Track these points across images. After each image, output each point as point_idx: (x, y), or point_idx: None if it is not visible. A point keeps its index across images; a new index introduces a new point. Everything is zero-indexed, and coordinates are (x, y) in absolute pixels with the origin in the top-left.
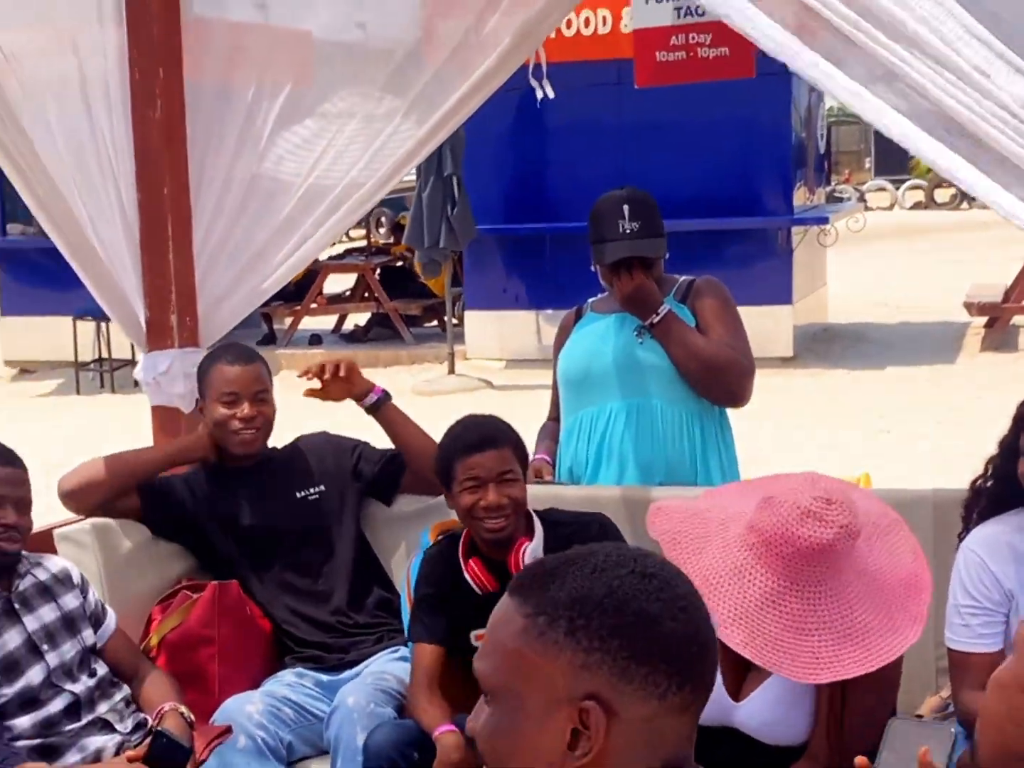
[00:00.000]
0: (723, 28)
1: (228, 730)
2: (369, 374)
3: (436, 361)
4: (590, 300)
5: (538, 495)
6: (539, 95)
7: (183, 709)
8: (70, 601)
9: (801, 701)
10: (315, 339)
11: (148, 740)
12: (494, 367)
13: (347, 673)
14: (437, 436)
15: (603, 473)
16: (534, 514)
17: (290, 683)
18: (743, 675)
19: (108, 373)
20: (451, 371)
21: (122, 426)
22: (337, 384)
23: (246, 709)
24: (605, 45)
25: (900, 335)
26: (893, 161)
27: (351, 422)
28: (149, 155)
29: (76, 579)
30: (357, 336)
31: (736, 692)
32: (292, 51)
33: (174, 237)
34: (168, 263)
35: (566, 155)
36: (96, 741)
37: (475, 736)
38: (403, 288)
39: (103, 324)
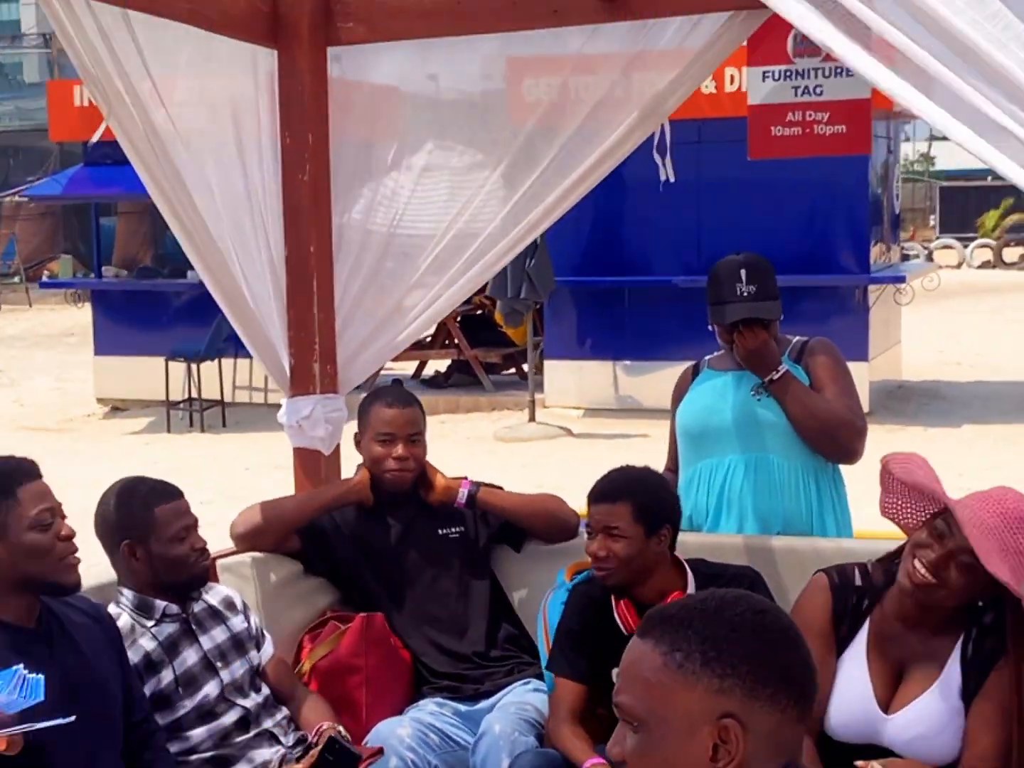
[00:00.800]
0: (841, 106)
1: (380, 751)
2: (450, 420)
3: (515, 408)
4: (707, 357)
5: None
6: (662, 176)
7: (340, 728)
8: (237, 624)
9: (953, 719)
10: (396, 384)
11: (314, 752)
12: (573, 415)
13: (483, 703)
14: (522, 481)
15: (723, 523)
16: (686, 565)
17: (432, 711)
18: (894, 689)
19: (198, 412)
20: (532, 418)
21: (215, 464)
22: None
23: (397, 732)
24: (686, 105)
25: (974, 393)
26: (957, 219)
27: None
28: (297, 214)
29: (239, 604)
30: (438, 382)
31: (887, 706)
32: (428, 109)
33: (318, 292)
34: (312, 315)
35: (645, 210)
36: (263, 753)
37: (622, 760)
38: (482, 336)
39: (194, 365)
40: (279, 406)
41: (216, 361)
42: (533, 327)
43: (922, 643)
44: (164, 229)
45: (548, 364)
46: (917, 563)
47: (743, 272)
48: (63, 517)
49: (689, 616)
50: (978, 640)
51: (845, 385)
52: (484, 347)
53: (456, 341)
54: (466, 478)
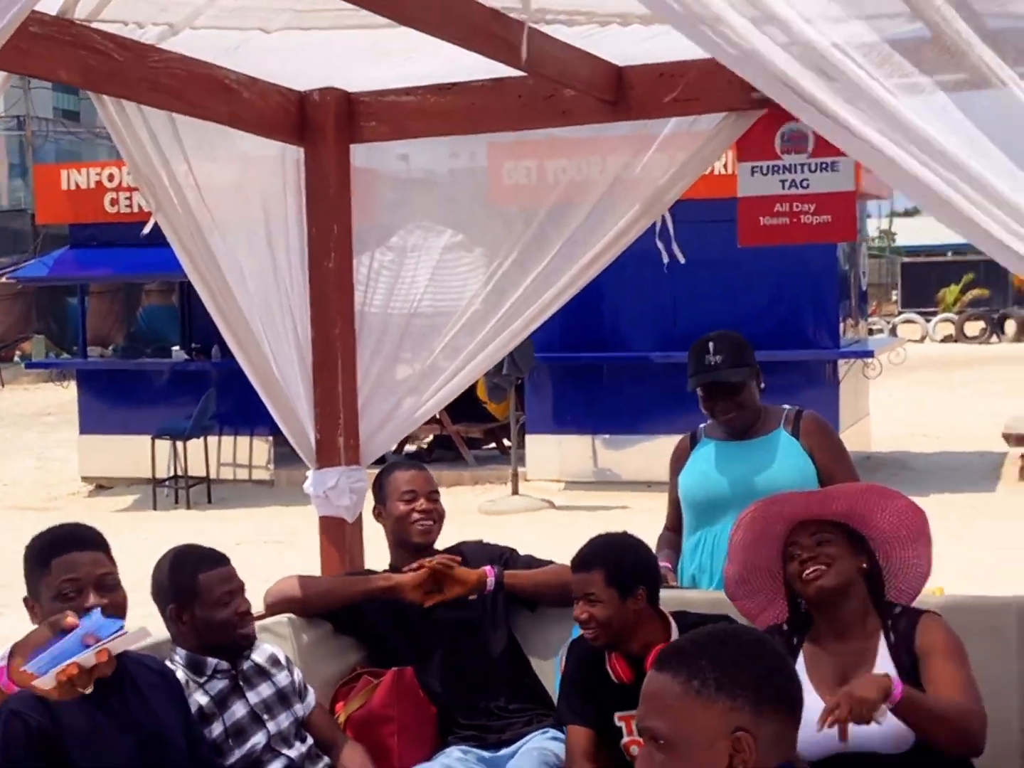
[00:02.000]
0: (826, 199)
1: None
2: None
3: (497, 482)
4: (702, 425)
5: (667, 599)
6: (665, 259)
7: None
8: (282, 679)
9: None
10: (379, 460)
11: None
12: (554, 488)
13: (505, 751)
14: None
15: None
16: (670, 617)
17: (459, 758)
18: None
19: (184, 490)
20: (515, 492)
21: (206, 540)
22: (448, 585)
23: None
24: None
25: (941, 464)
26: (919, 294)
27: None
28: (323, 299)
29: (282, 660)
30: (420, 457)
31: None
32: (442, 194)
33: (342, 370)
34: (337, 393)
35: (620, 288)
36: None
37: None
38: (463, 411)
39: (179, 443)
40: (263, 482)
41: (202, 439)
42: (514, 402)
43: (853, 650)
44: (135, 308)
45: (529, 438)
46: (805, 573)
47: (711, 344)
48: (106, 588)
49: (700, 649)
50: (895, 627)
51: (847, 464)
52: (466, 422)
53: (438, 416)
54: (489, 565)
